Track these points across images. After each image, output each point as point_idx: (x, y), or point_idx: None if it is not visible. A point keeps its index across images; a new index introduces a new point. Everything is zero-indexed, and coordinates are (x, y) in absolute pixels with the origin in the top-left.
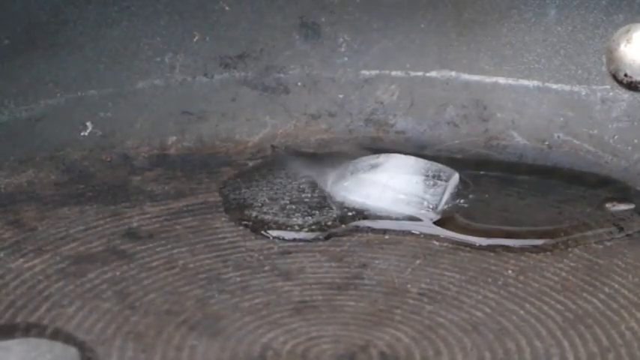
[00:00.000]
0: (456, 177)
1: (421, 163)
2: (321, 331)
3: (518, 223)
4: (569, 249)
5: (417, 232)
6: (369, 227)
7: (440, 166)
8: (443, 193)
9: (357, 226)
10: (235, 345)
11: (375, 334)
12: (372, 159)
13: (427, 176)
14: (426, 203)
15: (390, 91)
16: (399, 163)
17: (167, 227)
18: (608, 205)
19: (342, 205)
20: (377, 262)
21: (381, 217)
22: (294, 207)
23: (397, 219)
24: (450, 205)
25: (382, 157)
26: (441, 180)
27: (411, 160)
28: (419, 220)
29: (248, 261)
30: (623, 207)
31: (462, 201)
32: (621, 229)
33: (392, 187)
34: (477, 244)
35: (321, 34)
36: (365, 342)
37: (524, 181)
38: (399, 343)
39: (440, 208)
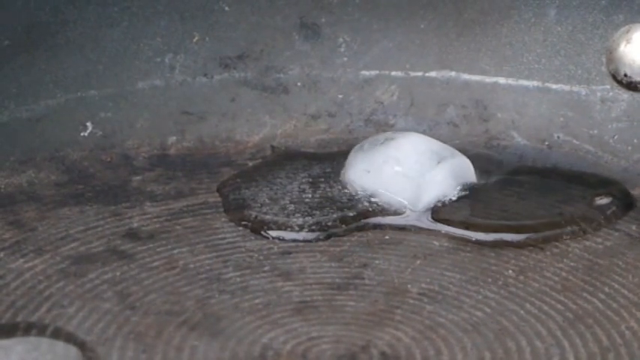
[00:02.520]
0: (461, 163)
1: (433, 145)
2: (322, 331)
3: (518, 223)
4: (569, 249)
5: (417, 230)
6: (367, 224)
7: (450, 156)
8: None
9: (357, 226)
10: (236, 345)
11: (376, 334)
12: (387, 135)
13: (432, 160)
14: (420, 191)
15: (390, 91)
16: (412, 142)
17: (167, 227)
18: (596, 198)
19: (349, 183)
20: (377, 262)
21: (380, 214)
22: (294, 207)
23: (396, 214)
24: (447, 197)
25: (397, 135)
26: (443, 167)
27: (422, 140)
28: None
29: (248, 261)
30: (606, 200)
31: (462, 201)
32: (621, 229)
33: (391, 166)
34: (474, 239)
35: (321, 35)
36: (365, 342)
37: (524, 181)
38: (400, 343)
39: (430, 201)
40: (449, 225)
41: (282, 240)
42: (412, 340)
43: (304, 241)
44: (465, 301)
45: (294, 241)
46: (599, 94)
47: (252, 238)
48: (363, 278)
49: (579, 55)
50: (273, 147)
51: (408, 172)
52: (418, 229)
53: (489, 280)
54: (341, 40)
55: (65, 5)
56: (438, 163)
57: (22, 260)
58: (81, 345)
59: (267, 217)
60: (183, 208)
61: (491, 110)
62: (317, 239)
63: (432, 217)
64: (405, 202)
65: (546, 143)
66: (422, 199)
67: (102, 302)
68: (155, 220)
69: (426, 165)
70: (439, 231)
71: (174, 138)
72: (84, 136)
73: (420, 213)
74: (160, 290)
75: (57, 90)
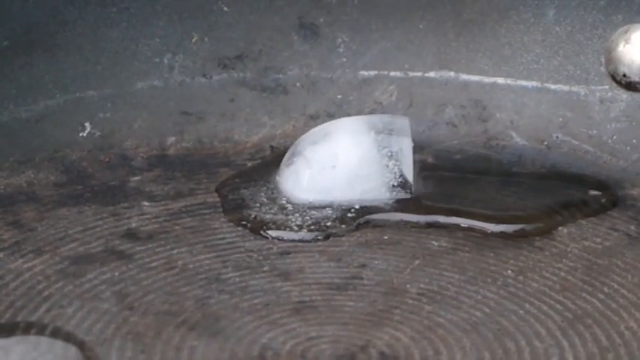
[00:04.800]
0: (405, 124)
1: (373, 119)
2: (321, 331)
3: (517, 222)
4: (568, 249)
5: (414, 225)
6: (366, 223)
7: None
8: (405, 164)
9: (356, 226)
10: (235, 345)
11: (375, 334)
12: (320, 131)
13: (386, 134)
14: (388, 178)
15: (389, 91)
16: (354, 124)
17: (166, 228)
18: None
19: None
20: (376, 262)
21: (383, 211)
22: (292, 207)
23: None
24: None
25: (331, 125)
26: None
27: (361, 120)
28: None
29: (247, 261)
30: (595, 192)
31: (461, 200)
32: (620, 229)
33: (344, 170)
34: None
35: (320, 35)
36: (364, 342)
37: (522, 181)
38: (399, 343)
39: (411, 179)
40: (447, 215)
41: (281, 240)
42: (411, 340)
43: (303, 241)
44: (464, 301)
45: (293, 241)
46: (598, 94)
47: (251, 238)
48: (362, 278)
49: (578, 55)
50: (272, 147)
51: (376, 154)
52: (417, 227)
53: (488, 280)
54: (340, 40)
55: (64, 6)
56: (392, 133)
57: (21, 260)
58: (80, 345)
59: (266, 217)
60: (182, 208)
61: (490, 110)
62: (316, 239)
63: (426, 211)
64: (390, 183)
65: (545, 143)
66: (403, 175)
67: (101, 302)
68: (154, 220)
69: (385, 140)
70: (436, 221)
71: (173, 138)
72: (83, 136)
73: (413, 205)
74: (158, 290)
75: (56, 90)
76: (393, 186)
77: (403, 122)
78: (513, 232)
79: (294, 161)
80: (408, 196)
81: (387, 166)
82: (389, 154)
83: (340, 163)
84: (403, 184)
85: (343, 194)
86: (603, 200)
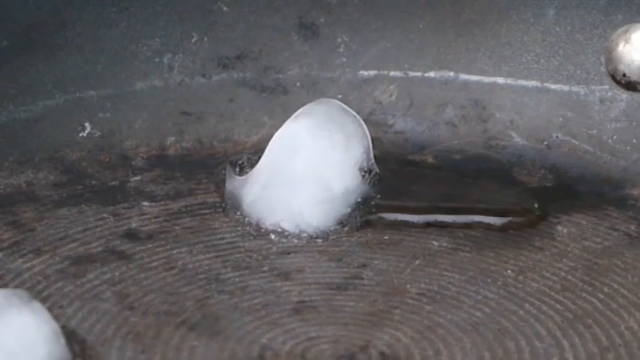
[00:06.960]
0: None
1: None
2: (321, 331)
3: (516, 219)
4: (568, 249)
5: (414, 225)
6: (368, 222)
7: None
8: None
9: (356, 226)
10: (234, 345)
11: (375, 334)
12: (278, 144)
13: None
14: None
15: (389, 91)
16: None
17: (166, 228)
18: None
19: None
20: (376, 262)
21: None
22: None
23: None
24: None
25: (283, 135)
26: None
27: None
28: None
29: (247, 261)
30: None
31: (460, 200)
32: (620, 229)
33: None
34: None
35: (320, 35)
36: (364, 342)
37: (522, 181)
38: (399, 343)
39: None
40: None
41: (281, 240)
42: (411, 340)
43: (303, 240)
44: (465, 301)
45: (293, 241)
46: (597, 94)
47: (251, 238)
48: (362, 278)
49: (578, 55)
50: None
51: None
52: (417, 227)
53: (489, 280)
54: (340, 40)
55: (64, 6)
56: (334, 120)
57: (20, 261)
58: (80, 345)
59: None
60: (182, 208)
61: (490, 110)
62: (316, 239)
63: (426, 211)
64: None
65: (545, 143)
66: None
67: (101, 302)
68: (154, 220)
69: (333, 126)
70: (436, 221)
71: (173, 138)
72: (82, 136)
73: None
74: (158, 290)
75: (55, 90)
76: (365, 161)
77: (335, 104)
78: (512, 225)
79: (259, 191)
80: (376, 171)
81: (354, 148)
82: (345, 137)
83: (306, 169)
84: (368, 161)
85: (322, 196)
86: (602, 200)
